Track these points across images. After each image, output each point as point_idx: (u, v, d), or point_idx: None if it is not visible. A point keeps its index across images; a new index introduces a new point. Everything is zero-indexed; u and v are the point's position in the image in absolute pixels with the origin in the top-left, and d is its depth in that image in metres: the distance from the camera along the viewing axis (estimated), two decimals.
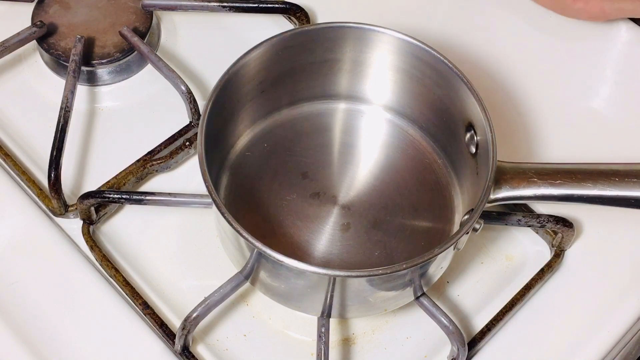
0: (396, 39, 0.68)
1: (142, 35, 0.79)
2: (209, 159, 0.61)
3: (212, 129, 0.63)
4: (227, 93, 0.65)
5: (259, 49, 0.66)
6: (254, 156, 0.71)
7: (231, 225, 0.58)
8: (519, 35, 0.84)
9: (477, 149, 0.65)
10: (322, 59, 0.69)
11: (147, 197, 0.69)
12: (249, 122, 0.71)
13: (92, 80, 0.78)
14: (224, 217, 0.58)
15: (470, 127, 0.66)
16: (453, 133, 0.68)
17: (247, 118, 0.71)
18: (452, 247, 0.60)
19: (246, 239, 0.57)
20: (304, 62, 0.69)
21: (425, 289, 0.65)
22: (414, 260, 0.57)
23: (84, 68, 0.77)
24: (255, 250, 0.58)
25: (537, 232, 0.72)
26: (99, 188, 0.72)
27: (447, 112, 0.68)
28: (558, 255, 0.70)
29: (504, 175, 0.63)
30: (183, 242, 0.71)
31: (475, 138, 0.65)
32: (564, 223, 0.69)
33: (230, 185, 0.69)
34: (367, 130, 0.73)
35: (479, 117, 0.64)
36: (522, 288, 0.68)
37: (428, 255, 0.58)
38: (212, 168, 0.64)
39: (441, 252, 0.58)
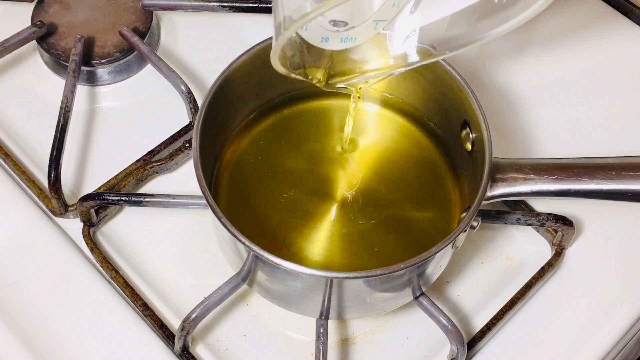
0: None
1: (142, 35, 0.79)
2: (205, 163, 0.61)
3: (208, 133, 0.63)
4: (221, 98, 0.64)
5: (249, 53, 0.65)
6: (252, 156, 0.70)
7: (227, 229, 0.57)
8: (515, 33, 0.84)
9: (473, 146, 0.65)
10: None
11: (147, 199, 0.69)
12: (246, 124, 0.71)
13: (92, 80, 0.79)
14: (220, 221, 0.58)
15: (465, 124, 0.66)
16: (450, 131, 0.68)
17: (243, 120, 0.71)
18: (450, 245, 0.59)
19: (243, 242, 0.57)
20: None
21: (424, 289, 0.64)
22: (412, 260, 0.57)
23: (83, 68, 0.77)
24: (252, 253, 0.58)
25: (537, 231, 0.72)
26: (99, 189, 0.72)
27: (443, 109, 0.68)
28: (559, 254, 0.70)
29: (500, 172, 0.63)
30: (183, 242, 0.71)
31: (470, 135, 0.65)
32: (564, 221, 0.68)
33: (228, 187, 0.69)
34: (364, 129, 0.73)
35: (474, 115, 0.63)
36: (522, 287, 0.68)
37: (426, 255, 0.57)
38: (210, 171, 0.64)
39: (439, 251, 0.58)
